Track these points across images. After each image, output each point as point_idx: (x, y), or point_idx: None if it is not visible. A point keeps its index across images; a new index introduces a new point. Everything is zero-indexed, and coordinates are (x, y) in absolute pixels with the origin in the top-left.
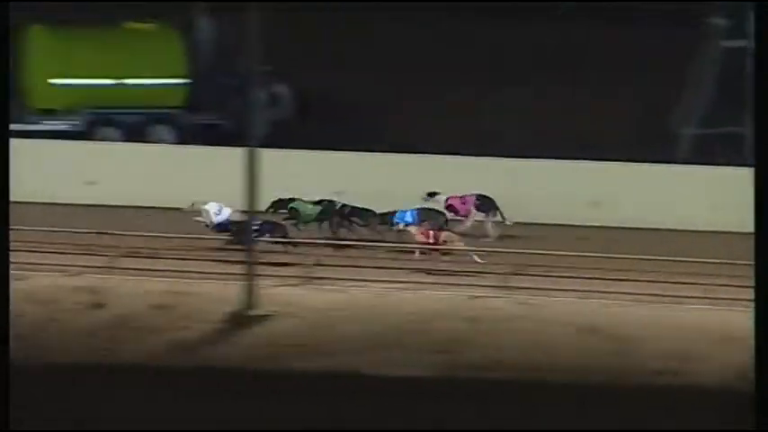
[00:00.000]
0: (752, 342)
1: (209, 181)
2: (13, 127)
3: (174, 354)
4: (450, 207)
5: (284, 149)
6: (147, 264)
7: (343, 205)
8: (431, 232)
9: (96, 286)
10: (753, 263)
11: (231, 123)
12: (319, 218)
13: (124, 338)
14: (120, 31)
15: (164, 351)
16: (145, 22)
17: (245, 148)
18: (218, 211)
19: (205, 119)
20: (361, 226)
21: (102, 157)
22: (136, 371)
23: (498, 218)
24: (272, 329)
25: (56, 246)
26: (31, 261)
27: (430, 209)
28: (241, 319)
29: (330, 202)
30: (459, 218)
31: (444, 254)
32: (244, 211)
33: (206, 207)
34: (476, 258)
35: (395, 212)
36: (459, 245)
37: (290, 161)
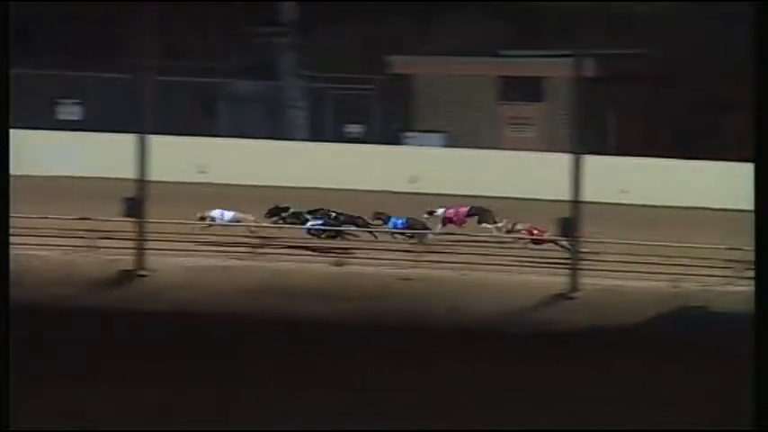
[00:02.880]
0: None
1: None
2: None
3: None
4: (446, 219)
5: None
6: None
7: (338, 213)
8: (534, 230)
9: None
10: (753, 263)
11: None
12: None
13: None
14: None
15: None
16: None
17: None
18: (220, 216)
19: None
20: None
21: None
22: None
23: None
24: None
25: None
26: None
27: (416, 219)
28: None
29: (322, 210)
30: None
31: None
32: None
33: (212, 213)
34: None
35: (387, 219)
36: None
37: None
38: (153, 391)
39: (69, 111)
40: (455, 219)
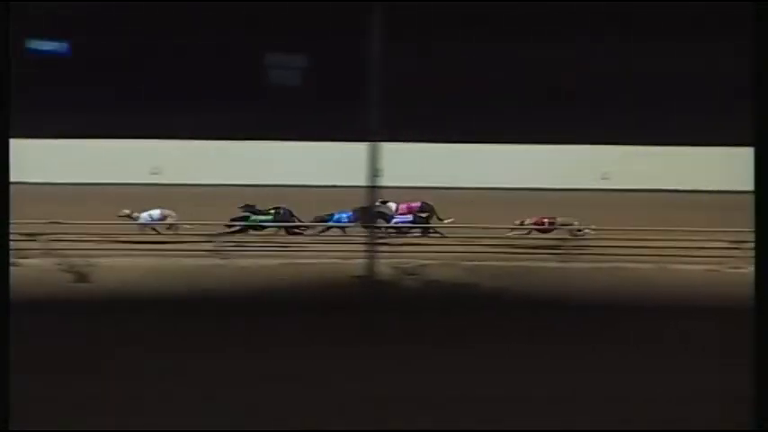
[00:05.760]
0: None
1: None
2: None
3: None
4: (397, 210)
5: None
6: None
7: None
8: (545, 220)
9: None
10: (753, 262)
11: None
12: (272, 222)
13: None
14: None
15: None
16: None
17: None
18: (147, 217)
19: None
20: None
21: None
22: None
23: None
24: None
25: None
26: None
27: (364, 208)
28: None
29: (279, 209)
30: (403, 218)
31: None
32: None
33: (141, 214)
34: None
35: (331, 214)
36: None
37: None
38: None
39: None
40: (403, 211)
